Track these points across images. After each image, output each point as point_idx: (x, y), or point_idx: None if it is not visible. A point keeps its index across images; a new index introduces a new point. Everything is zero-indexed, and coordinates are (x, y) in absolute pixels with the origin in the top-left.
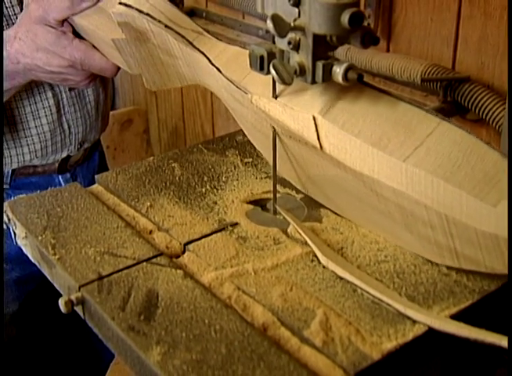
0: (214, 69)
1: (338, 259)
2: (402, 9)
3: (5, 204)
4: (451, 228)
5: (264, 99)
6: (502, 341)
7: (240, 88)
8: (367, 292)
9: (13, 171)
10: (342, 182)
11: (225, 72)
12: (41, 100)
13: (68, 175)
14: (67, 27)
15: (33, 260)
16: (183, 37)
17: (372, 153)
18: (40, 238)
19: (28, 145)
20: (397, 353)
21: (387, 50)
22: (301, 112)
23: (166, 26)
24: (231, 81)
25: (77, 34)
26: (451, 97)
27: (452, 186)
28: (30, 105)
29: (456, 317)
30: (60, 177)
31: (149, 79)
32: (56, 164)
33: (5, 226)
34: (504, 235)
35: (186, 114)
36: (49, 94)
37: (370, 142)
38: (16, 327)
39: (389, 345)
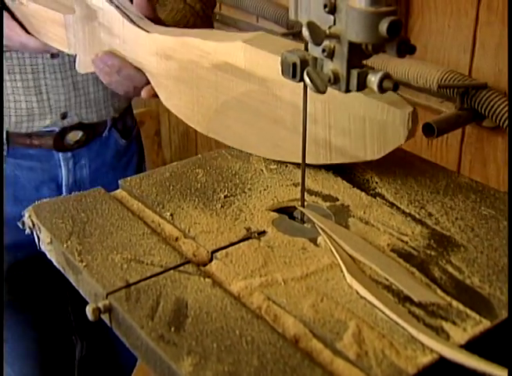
0: (150, 35)
1: (363, 277)
2: (418, 15)
3: (30, 208)
4: (330, 118)
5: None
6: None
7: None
8: (385, 314)
9: (8, 137)
10: (248, 99)
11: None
12: (18, 58)
13: (69, 154)
14: None
15: (57, 266)
16: (128, 16)
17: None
18: (66, 244)
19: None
20: (433, 368)
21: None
22: (230, 42)
23: (117, 6)
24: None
25: None
26: (467, 104)
27: None
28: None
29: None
30: (60, 155)
31: (81, 59)
32: (50, 141)
33: (28, 231)
34: (370, 116)
35: None
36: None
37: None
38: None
39: (424, 359)
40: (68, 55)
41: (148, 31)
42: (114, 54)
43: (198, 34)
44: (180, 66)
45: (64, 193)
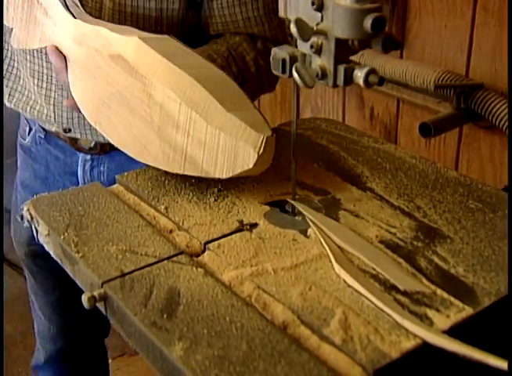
0: (74, 20)
1: (351, 267)
2: (415, 16)
3: (28, 202)
4: (190, 126)
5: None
6: (490, 359)
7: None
8: (371, 301)
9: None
10: (127, 93)
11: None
12: (40, 65)
13: (88, 156)
14: None
15: (55, 257)
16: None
17: (160, 60)
18: (63, 236)
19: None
20: (416, 352)
21: (401, 56)
22: (127, 36)
23: None
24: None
25: None
26: (464, 104)
27: (203, 89)
28: (30, 62)
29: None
30: (80, 155)
31: (16, 34)
32: (67, 139)
33: (27, 224)
34: (226, 132)
35: None
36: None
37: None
38: None
39: (408, 344)
40: None
41: (75, 17)
42: (59, 54)
43: (114, 26)
44: (86, 54)
45: None
